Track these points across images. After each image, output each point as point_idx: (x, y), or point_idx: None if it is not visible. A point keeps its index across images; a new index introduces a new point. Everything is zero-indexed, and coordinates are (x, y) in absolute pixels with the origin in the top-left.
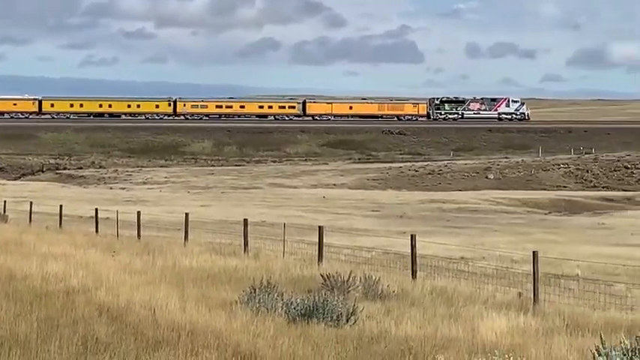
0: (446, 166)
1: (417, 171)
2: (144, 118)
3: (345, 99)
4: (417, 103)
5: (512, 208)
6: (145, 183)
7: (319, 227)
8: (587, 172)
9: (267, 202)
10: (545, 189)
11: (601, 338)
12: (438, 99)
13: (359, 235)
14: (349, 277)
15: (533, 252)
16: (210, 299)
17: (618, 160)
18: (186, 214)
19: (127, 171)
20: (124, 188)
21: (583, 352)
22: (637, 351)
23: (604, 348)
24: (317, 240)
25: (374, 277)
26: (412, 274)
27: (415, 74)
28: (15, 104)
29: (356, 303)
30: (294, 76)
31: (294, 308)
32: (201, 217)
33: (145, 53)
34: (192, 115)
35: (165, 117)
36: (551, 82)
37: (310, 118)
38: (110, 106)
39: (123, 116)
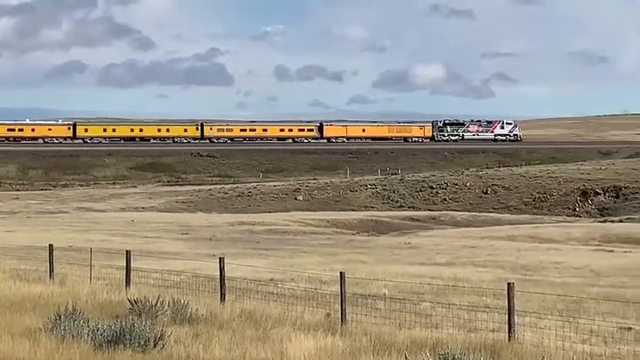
0: (255, 187)
1: (226, 193)
2: (171, 141)
3: (357, 122)
4: (423, 126)
5: (321, 229)
6: None
7: (127, 251)
8: (394, 192)
9: (75, 226)
10: (353, 209)
11: (406, 357)
12: (440, 121)
13: (168, 259)
14: (157, 301)
15: (341, 272)
16: (14, 327)
17: (423, 181)
18: None
19: None
20: None
21: None
22: None
23: None
24: (125, 264)
25: (182, 301)
26: (221, 297)
27: (225, 97)
28: (50, 129)
29: (164, 327)
30: (102, 98)
31: (101, 334)
32: (6, 242)
33: None
34: (218, 138)
35: (192, 140)
36: (358, 104)
37: (326, 140)
38: (141, 130)
39: (152, 140)
